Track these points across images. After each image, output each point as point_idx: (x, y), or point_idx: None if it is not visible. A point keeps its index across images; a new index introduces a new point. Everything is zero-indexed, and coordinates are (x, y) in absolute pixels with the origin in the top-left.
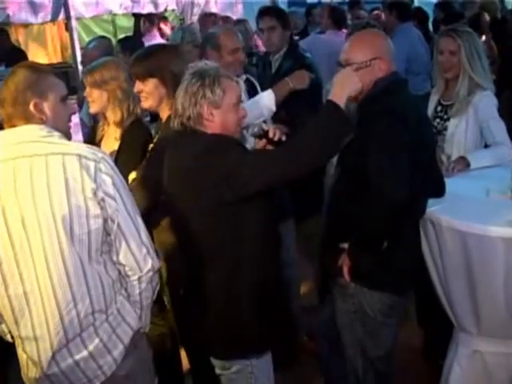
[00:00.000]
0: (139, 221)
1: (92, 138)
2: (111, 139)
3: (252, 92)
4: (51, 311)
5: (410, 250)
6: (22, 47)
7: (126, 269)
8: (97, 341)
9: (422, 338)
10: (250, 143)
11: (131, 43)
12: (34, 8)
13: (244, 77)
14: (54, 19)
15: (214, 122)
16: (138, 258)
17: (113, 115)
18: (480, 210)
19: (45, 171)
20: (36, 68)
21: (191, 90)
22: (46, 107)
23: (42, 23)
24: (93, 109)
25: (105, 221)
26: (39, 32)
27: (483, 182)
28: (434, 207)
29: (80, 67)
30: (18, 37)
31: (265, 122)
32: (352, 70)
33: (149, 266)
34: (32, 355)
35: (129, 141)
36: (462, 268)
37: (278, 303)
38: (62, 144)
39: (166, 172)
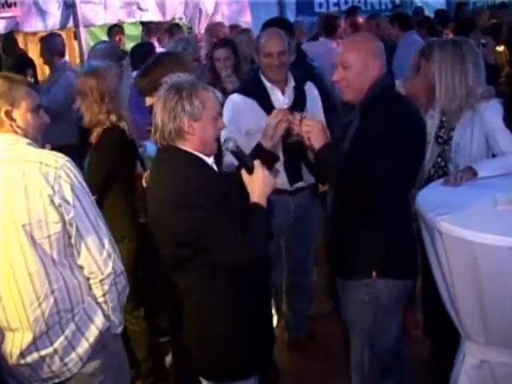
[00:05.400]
0: (101, 226)
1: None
2: None
3: (300, 102)
4: (19, 309)
5: (412, 232)
6: (30, 55)
7: (86, 271)
8: (62, 338)
9: (429, 347)
10: (227, 158)
11: (140, 50)
12: (43, 16)
13: (291, 85)
14: (62, 27)
15: (195, 135)
16: (98, 261)
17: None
18: (487, 220)
19: (6, 178)
20: (9, 78)
21: (169, 105)
22: (17, 115)
23: (51, 31)
24: None
25: (65, 225)
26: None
27: (491, 191)
28: (441, 217)
29: None
30: (27, 44)
31: None
32: (264, 173)
33: (109, 269)
34: (6, 346)
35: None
36: (469, 278)
37: (260, 331)
38: (26, 151)
39: (148, 191)
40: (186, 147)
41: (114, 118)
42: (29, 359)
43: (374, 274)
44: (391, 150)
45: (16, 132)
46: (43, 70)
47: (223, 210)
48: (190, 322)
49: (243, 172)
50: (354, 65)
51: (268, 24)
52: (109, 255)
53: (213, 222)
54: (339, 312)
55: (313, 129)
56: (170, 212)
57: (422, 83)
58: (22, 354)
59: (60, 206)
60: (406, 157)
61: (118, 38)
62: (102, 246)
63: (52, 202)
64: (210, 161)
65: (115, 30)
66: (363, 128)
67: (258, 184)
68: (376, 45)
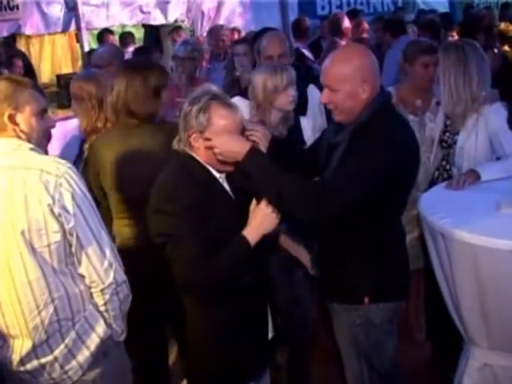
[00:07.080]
0: (103, 235)
1: None
2: None
3: (301, 105)
4: (19, 317)
5: (403, 251)
6: (33, 57)
7: (87, 281)
8: (62, 346)
9: (432, 351)
10: None
11: (143, 53)
12: (45, 18)
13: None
14: (64, 30)
15: (200, 149)
16: (99, 270)
17: None
18: (490, 223)
19: (6, 185)
20: (15, 80)
21: (183, 114)
22: (21, 119)
23: (54, 33)
24: None
25: (65, 234)
26: (50, 42)
27: (494, 194)
28: (444, 220)
29: None
30: (29, 47)
31: None
32: (267, 209)
33: (110, 279)
34: (6, 352)
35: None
36: (472, 281)
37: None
38: (27, 158)
39: None
40: (197, 156)
41: (110, 126)
42: (29, 366)
43: (366, 300)
44: (378, 166)
45: (19, 137)
46: (44, 73)
47: (200, 225)
48: (181, 324)
49: (254, 200)
50: (340, 88)
51: (259, 35)
52: (110, 265)
53: (179, 233)
54: (328, 330)
55: (220, 148)
56: (149, 213)
57: (412, 86)
58: (22, 361)
59: (60, 215)
60: (393, 180)
61: (110, 42)
62: (103, 255)
63: (51, 211)
64: (218, 175)
65: (105, 34)
66: (351, 151)
67: (257, 217)
68: (366, 61)
